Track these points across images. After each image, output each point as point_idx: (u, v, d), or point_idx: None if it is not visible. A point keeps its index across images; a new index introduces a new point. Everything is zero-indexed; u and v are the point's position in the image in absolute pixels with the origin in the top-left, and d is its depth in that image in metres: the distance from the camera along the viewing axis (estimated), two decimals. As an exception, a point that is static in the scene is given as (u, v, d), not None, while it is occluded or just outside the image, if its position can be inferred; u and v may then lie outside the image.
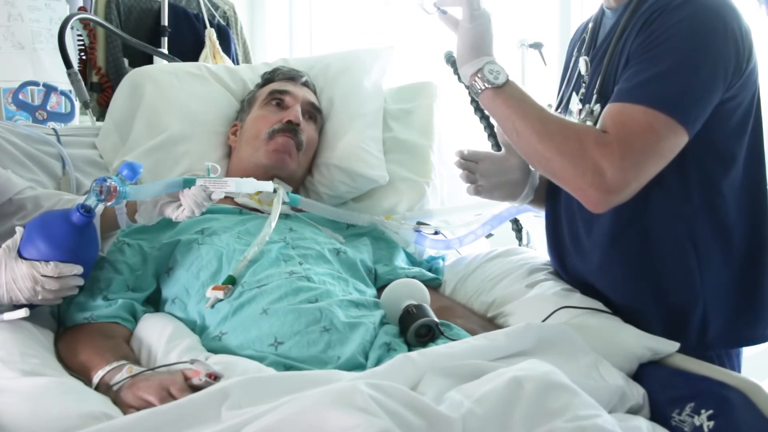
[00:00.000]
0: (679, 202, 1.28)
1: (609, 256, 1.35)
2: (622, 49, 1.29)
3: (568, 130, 1.22)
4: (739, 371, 1.36)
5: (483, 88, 1.28)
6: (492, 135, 2.05)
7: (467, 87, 1.33)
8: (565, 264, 1.47)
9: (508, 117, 1.27)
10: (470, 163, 1.51)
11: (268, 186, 1.36)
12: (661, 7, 1.24)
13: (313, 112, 1.81)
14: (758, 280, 1.32)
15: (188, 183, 1.27)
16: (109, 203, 1.18)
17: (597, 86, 1.33)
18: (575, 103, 1.40)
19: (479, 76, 1.28)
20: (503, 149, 1.52)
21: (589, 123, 1.31)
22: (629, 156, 1.17)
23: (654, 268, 1.31)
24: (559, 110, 1.45)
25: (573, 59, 1.47)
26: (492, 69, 1.28)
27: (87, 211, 1.19)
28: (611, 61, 1.31)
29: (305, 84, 1.85)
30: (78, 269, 1.20)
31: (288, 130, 1.70)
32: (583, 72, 1.39)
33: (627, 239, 1.32)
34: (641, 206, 1.28)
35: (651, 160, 1.18)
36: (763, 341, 1.34)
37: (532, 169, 1.52)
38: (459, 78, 2.06)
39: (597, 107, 1.31)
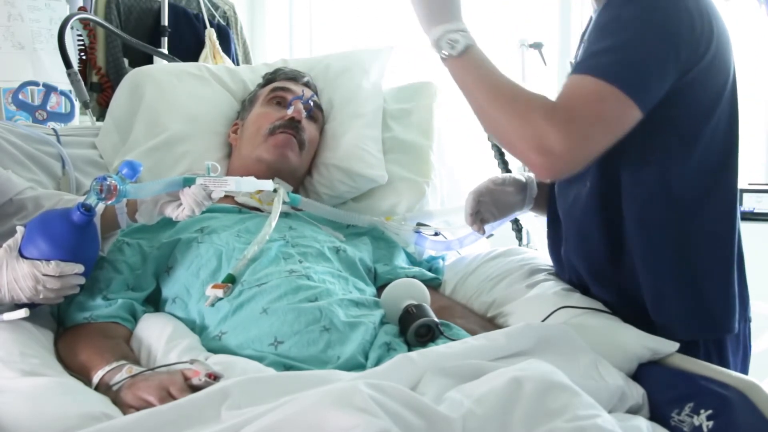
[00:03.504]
0: (637, 185, 1.28)
1: (580, 237, 1.37)
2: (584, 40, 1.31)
3: (519, 96, 1.22)
4: (740, 363, 1.35)
5: (443, 57, 1.26)
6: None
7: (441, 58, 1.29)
8: (564, 264, 1.47)
9: (465, 84, 1.27)
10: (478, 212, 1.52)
11: (268, 185, 1.37)
12: None
13: (315, 110, 1.81)
14: (721, 272, 1.31)
15: (188, 182, 1.27)
16: (109, 202, 1.18)
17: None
18: None
19: (438, 46, 1.25)
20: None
21: None
22: (573, 123, 1.17)
23: (615, 255, 1.32)
24: None
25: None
26: (450, 39, 1.24)
27: (87, 209, 1.19)
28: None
29: (306, 84, 1.85)
30: (79, 268, 1.20)
31: (290, 127, 1.70)
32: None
33: (594, 227, 1.34)
34: (609, 193, 1.30)
35: (596, 128, 1.18)
36: (728, 332, 1.32)
37: (524, 179, 1.54)
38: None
39: None
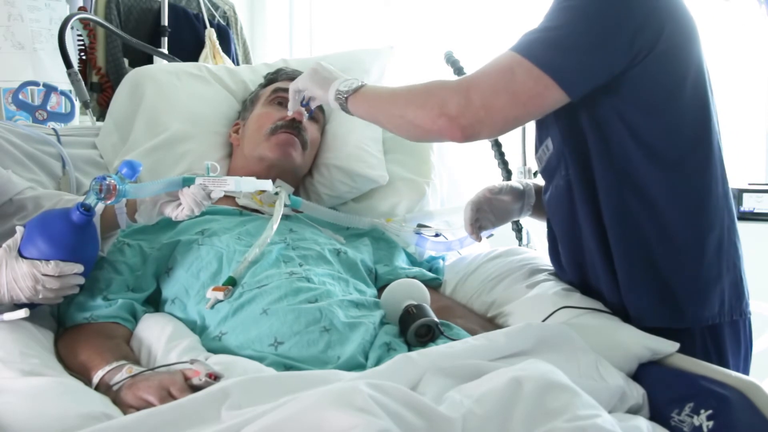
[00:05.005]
0: (605, 177, 1.29)
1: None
2: None
3: (415, 86, 1.29)
4: (745, 371, 1.35)
5: (344, 99, 1.36)
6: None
7: (344, 109, 1.39)
8: (563, 265, 1.47)
9: (369, 107, 1.35)
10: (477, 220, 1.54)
11: (267, 185, 1.37)
12: None
13: (316, 111, 1.81)
14: (689, 261, 1.31)
15: (188, 182, 1.27)
16: (108, 201, 1.18)
17: None
18: None
19: (338, 96, 1.37)
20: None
21: None
22: (476, 89, 1.21)
23: (584, 240, 1.35)
24: None
25: None
26: (346, 84, 1.37)
27: (87, 209, 1.19)
28: None
29: (307, 84, 1.85)
30: (79, 268, 1.20)
31: (291, 127, 1.69)
32: None
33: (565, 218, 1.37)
34: (586, 185, 1.31)
35: (503, 98, 1.20)
36: (698, 323, 1.31)
37: (521, 187, 1.55)
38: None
39: None
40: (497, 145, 2.05)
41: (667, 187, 1.28)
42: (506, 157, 2.13)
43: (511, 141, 2.20)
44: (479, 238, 1.53)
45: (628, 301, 1.31)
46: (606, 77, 1.22)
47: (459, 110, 1.20)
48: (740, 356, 1.35)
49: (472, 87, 1.22)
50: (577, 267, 1.41)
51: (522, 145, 2.41)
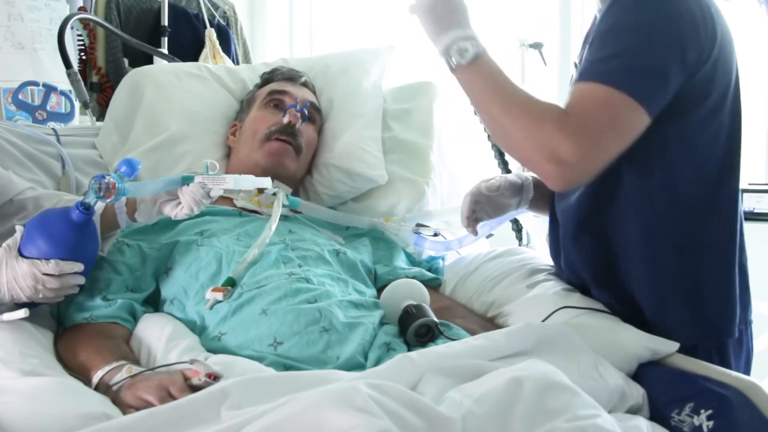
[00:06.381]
0: (640, 189, 1.28)
1: (576, 244, 1.38)
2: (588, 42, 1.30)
3: (531, 106, 1.21)
4: (743, 365, 1.35)
5: (453, 67, 1.25)
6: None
7: (449, 66, 1.28)
8: (563, 266, 1.47)
9: (475, 93, 1.26)
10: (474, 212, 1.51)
11: (266, 182, 1.36)
12: None
13: (312, 113, 1.81)
14: (723, 277, 1.31)
15: (187, 180, 1.27)
16: (108, 200, 1.18)
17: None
18: None
19: (447, 54, 1.25)
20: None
21: None
22: (585, 132, 1.16)
23: (615, 258, 1.32)
24: None
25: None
26: (459, 47, 1.24)
27: (86, 208, 1.19)
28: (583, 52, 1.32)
29: (304, 84, 1.85)
30: (79, 267, 1.20)
31: (285, 132, 1.69)
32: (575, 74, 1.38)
33: (593, 229, 1.34)
34: (609, 195, 1.29)
35: (607, 136, 1.17)
36: (729, 337, 1.32)
37: (520, 181, 1.53)
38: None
39: None
40: (497, 145, 2.05)
41: (707, 197, 1.28)
42: (506, 157, 2.13)
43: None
44: (475, 232, 1.52)
45: (660, 317, 1.29)
46: (677, 91, 1.21)
47: (574, 159, 1.15)
48: (741, 359, 1.35)
49: (582, 130, 1.16)
50: (602, 272, 1.37)
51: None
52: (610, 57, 1.19)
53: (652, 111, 1.18)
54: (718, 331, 1.31)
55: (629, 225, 1.29)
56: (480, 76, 1.24)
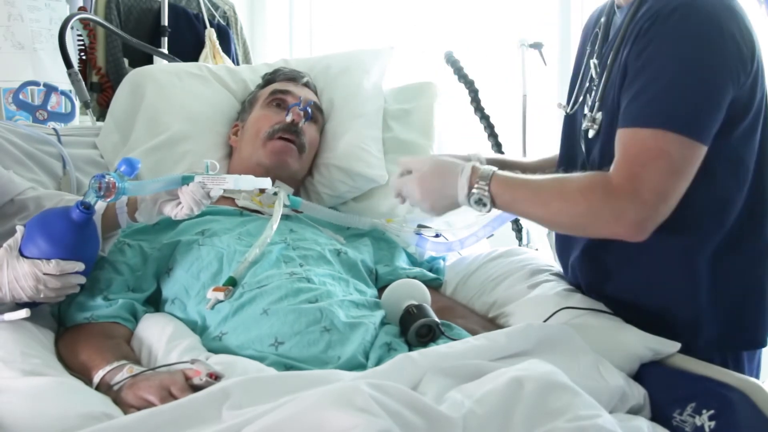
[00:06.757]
0: (684, 209, 1.24)
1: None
2: (620, 56, 1.27)
3: (567, 194, 1.20)
4: (756, 374, 1.35)
5: (488, 206, 1.27)
6: (492, 135, 2.05)
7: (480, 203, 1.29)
8: (570, 271, 1.47)
9: (518, 212, 1.31)
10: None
11: (266, 183, 1.36)
12: (654, 14, 1.21)
13: (315, 112, 1.81)
14: (760, 286, 1.31)
15: (187, 180, 1.27)
16: (108, 199, 1.18)
17: (600, 93, 1.31)
18: (587, 108, 1.38)
19: (471, 203, 1.27)
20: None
21: (592, 132, 1.31)
22: (646, 187, 1.15)
23: (649, 267, 1.31)
24: (574, 110, 1.43)
25: (586, 54, 1.43)
26: (475, 199, 1.26)
27: (86, 207, 1.19)
28: (612, 69, 1.29)
29: (306, 84, 1.85)
30: (80, 266, 1.20)
31: (288, 131, 1.69)
32: (594, 76, 1.36)
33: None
34: None
35: (670, 182, 1.16)
36: (761, 346, 1.33)
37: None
38: (459, 78, 2.07)
39: (599, 116, 1.30)
40: (497, 145, 2.05)
41: (744, 202, 1.27)
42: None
43: (511, 141, 2.20)
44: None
45: (698, 338, 1.28)
46: (724, 112, 1.20)
47: (640, 216, 1.15)
48: (754, 364, 1.35)
49: (640, 186, 1.15)
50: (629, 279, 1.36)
51: (522, 144, 2.42)
52: (657, 95, 1.17)
53: (707, 140, 1.17)
54: (753, 343, 1.32)
55: (669, 238, 1.25)
56: (506, 197, 1.25)
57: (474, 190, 1.26)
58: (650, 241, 1.19)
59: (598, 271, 1.38)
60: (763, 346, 1.33)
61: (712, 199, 1.26)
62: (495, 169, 1.27)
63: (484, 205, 1.26)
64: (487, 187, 1.25)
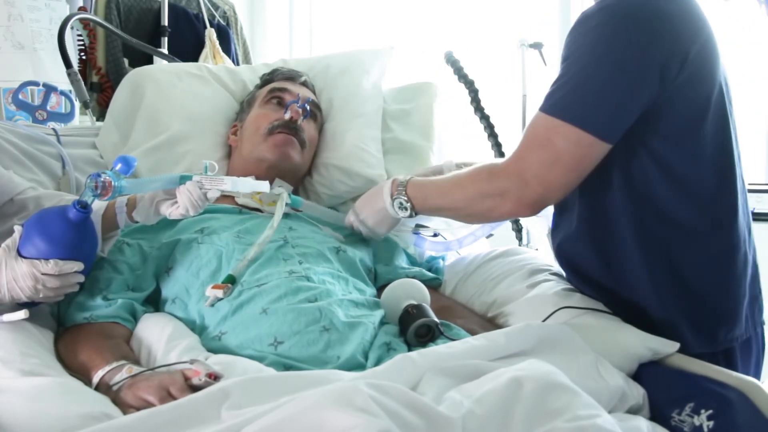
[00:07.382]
0: (627, 208, 1.28)
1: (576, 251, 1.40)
2: None
3: (461, 182, 1.35)
4: (756, 374, 1.35)
5: (408, 210, 1.42)
6: (492, 135, 2.05)
7: (403, 208, 1.45)
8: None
9: (432, 208, 1.43)
10: None
11: (265, 186, 1.36)
12: (581, 16, 1.24)
13: (314, 110, 1.81)
14: (724, 286, 1.31)
15: (184, 179, 1.27)
16: (105, 198, 1.18)
17: None
18: None
19: (396, 210, 1.44)
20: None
21: None
22: (529, 172, 1.23)
23: (615, 266, 1.33)
24: None
25: None
26: (398, 204, 1.44)
27: (83, 207, 1.19)
28: None
29: (304, 83, 1.86)
30: (78, 266, 1.20)
31: (288, 127, 1.70)
32: None
33: (592, 236, 1.36)
34: (601, 203, 1.30)
35: (551, 172, 1.22)
36: (730, 344, 1.32)
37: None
38: (459, 78, 2.07)
39: None
40: (497, 145, 2.05)
41: (693, 211, 1.27)
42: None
43: (511, 141, 2.20)
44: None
45: (666, 326, 1.29)
46: (639, 114, 1.21)
47: (520, 194, 1.25)
48: (751, 361, 1.35)
49: (522, 170, 1.24)
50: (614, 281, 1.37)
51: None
52: (560, 86, 1.22)
53: (607, 136, 1.19)
54: (727, 339, 1.31)
55: (626, 240, 1.29)
56: (424, 205, 1.42)
57: (394, 197, 1.43)
58: (608, 239, 1.29)
59: (573, 271, 1.42)
60: (738, 340, 1.32)
61: (650, 201, 1.26)
62: (412, 176, 1.45)
63: (406, 209, 1.43)
64: (404, 192, 1.42)
